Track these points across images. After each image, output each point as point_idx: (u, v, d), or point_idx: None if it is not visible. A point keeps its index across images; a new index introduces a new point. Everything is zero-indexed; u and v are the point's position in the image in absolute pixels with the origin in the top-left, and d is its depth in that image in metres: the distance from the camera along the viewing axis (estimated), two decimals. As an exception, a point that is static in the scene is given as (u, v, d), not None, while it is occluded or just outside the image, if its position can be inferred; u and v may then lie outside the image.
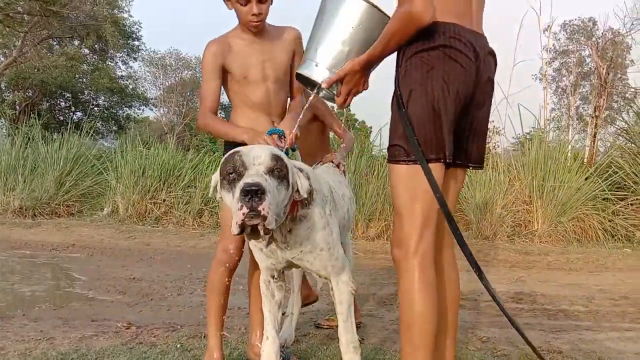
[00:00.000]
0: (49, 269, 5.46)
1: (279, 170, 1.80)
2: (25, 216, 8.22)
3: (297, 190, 1.90)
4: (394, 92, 1.81)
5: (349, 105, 2.02)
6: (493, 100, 1.98)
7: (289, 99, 2.57)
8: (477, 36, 1.81)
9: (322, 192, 2.19)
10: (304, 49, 2.20)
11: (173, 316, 3.56)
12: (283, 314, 2.93)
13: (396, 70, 1.82)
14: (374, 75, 2.04)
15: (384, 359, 2.68)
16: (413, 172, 1.74)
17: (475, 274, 1.80)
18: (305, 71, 2.01)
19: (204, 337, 2.83)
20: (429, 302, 1.73)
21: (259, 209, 1.65)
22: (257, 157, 1.79)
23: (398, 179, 1.79)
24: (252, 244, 2.14)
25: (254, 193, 1.65)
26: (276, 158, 1.82)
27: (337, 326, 2.28)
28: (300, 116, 2.30)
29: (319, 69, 1.96)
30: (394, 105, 1.82)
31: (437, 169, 1.75)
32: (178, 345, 2.83)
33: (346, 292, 2.24)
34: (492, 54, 1.88)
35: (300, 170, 1.95)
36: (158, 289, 4.44)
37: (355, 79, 1.89)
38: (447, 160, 1.76)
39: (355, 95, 1.98)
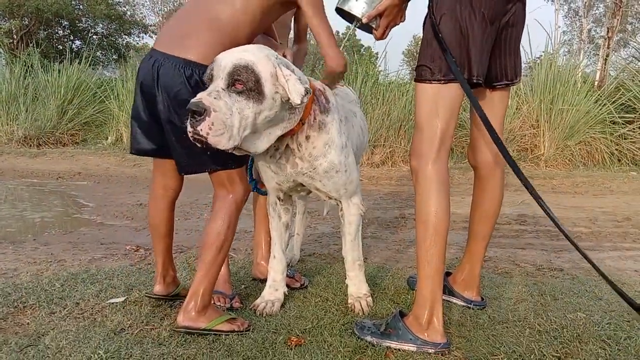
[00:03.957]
0: (56, 196, 5.52)
1: (242, 83, 1.70)
2: (30, 145, 8.24)
3: (288, 99, 1.78)
4: (426, 17, 1.92)
5: (386, 37, 2.12)
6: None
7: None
8: None
9: (340, 111, 2.13)
10: None
11: (180, 239, 3.62)
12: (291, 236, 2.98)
13: None
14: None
15: (387, 276, 2.73)
16: (436, 90, 1.87)
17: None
18: (345, 6, 2.06)
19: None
20: (444, 204, 1.87)
21: (197, 129, 1.63)
22: (223, 69, 1.71)
23: (422, 97, 1.91)
24: (260, 162, 2.08)
25: (193, 113, 1.63)
26: (240, 69, 1.70)
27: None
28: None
29: (359, 4, 2.03)
30: (426, 29, 1.92)
31: (458, 88, 1.87)
32: (185, 265, 2.90)
33: (356, 214, 2.26)
34: None
35: (292, 73, 1.80)
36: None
37: (394, 12, 2.00)
38: (475, 81, 1.87)
39: (393, 28, 2.10)
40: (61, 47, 20.43)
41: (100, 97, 8.93)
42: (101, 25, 23.15)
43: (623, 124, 7.31)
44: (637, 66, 8.30)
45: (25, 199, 5.34)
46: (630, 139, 7.21)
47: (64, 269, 2.81)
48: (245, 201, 2.06)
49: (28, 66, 9.30)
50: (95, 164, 7.31)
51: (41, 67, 9.16)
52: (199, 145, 1.69)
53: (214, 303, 2.23)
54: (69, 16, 20.93)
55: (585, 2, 24.01)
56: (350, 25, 2.17)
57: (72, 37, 22.07)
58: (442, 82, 1.86)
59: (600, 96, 7.24)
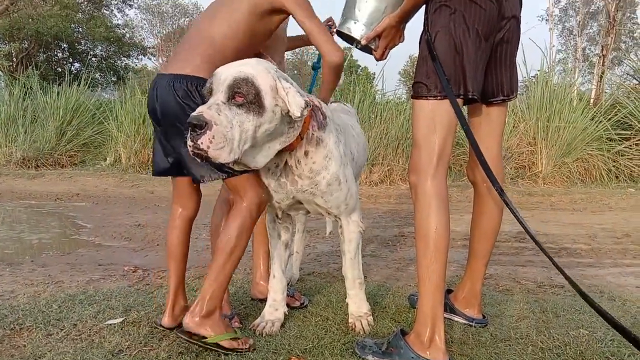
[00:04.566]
0: (54, 217, 5.50)
1: (242, 96, 1.70)
2: (29, 167, 8.24)
3: (288, 112, 1.78)
4: (422, 35, 1.95)
5: (386, 57, 2.19)
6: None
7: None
8: None
9: (337, 124, 2.14)
10: (345, 6, 2.21)
11: (179, 259, 3.60)
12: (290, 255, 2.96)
13: (425, 17, 1.95)
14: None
15: (387, 294, 2.71)
16: (433, 107, 1.88)
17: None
18: (344, 28, 2.14)
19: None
20: (443, 220, 1.87)
21: (197, 142, 1.63)
22: (222, 82, 1.71)
23: (419, 113, 1.92)
24: (262, 177, 2.07)
25: (193, 126, 1.62)
26: (240, 82, 1.70)
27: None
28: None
29: (358, 26, 2.11)
30: (422, 46, 1.95)
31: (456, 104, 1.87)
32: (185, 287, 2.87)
33: (356, 231, 2.25)
34: None
35: (291, 86, 1.80)
36: (163, 234, 4.47)
37: (392, 33, 2.07)
38: (471, 96, 1.89)
39: (392, 48, 2.16)
40: (60, 70, 20.61)
41: (99, 118, 8.96)
42: (100, 47, 23.39)
43: (620, 140, 7.35)
44: (632, 83, 8.38)
45: (23, 220, 5.31)
46: (627, 155, 7.24)
47: (62, 291, 2.79)
48: (260, 213, 2.05)
49: (27, 88, 9.35)
50: (94, 185, 7.31)
51: (40, 89, 9.21)
52: (199, 159, 1.69)
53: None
54: (69, 39, 21.15)
55: (579, 22, 24.34)
56: (349, 47, 2.22)
57: (71, 60, 22.26)
58: (439, 98, 1.88)
59: (596, 113, 7.29)
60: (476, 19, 1.85)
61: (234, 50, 2.00)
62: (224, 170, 1.94)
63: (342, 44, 2.31)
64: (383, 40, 2.11)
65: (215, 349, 1.90)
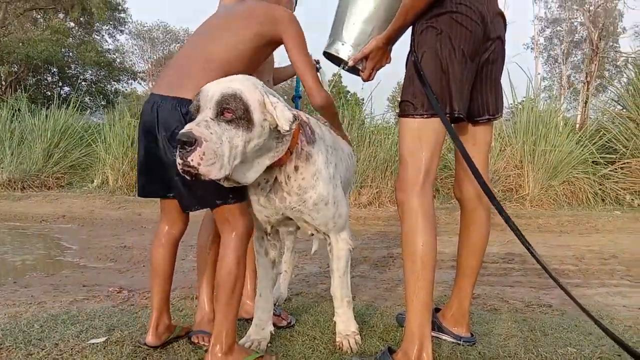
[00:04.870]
0: (39, 239, 5.42)
1: (231, 112, 1.69)
2: (14, 188, 8.15)
3: (276, 127, 1.77)
4: (409, 55, 1.99)
5: (373, 79, 2.21)
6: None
7: None
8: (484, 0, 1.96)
9: (326, 142, 2.15)
10: (332, 27, 2.24)
11: (165, 281, 3.55)
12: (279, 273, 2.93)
13: (411, 37, 1.99)
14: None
15: (375, 313, 2.69)
16: (419, 125, 1.91)
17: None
18: (332, 49, 2.16)
19: (195, 298, 2.82)
20: (430, 237, 1.88)
21: (187, 159, 1.61)
22: (210, 99, 1.70)
23: (405, 131, 1.95)
24: (250, 193, 2.05)
25: (183, 144, 1.60)
26: (228, 98, 1.70)
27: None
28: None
29: (345, 48, 2.13)
30: (408, 66, 1.99)
31: (441, 123, 1.91)
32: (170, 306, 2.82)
33: (345, 249, 2.23)
34: (501, 14, 2.05)
35: (278, 100, 1.80)
36: (149, 256, 4.41)
37: (379, 54, 2.09)
38: (457, 115, 1.92)
39: (379, 69, 2.18)
40: (50, 93, 20.61)
41: (87, 140, 8.92)
42: (90, 71, 23.43)
43: (605, 164, 7.44)
44: (616, 109, 8.53)
45: (7, 242, 5.22)
46: (613, 179, 7.32)
47: (44, 311, 2.73)
48: (249, 235, 2.03)
49: (15, 110, 9.31)
50: (80, 206, 7.23)
51: (28, 112, 9.17)
52: (188, 177, 1.67)
53: (198, 343, 2.18)
54: (59, 63, 21.16)
55: (564, 50, 24.88)
56: (336, 69, 2.24)
57: (60, 84, 22.25)
58: (425, 116, 1.90)
59: (582, 137, 7.40)
60: (462, 39, 1.89)
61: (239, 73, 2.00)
62: (223, 197, 1.93)
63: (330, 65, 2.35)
64: (370, 61, 2.13)
65: None
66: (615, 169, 7.36)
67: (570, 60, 25.54)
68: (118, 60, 24.42)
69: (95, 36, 23.72)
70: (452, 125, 2.15)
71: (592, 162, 7.43)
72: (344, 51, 2.15)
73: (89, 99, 21.66)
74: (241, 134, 1.70)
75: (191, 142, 1.60)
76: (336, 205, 2.08)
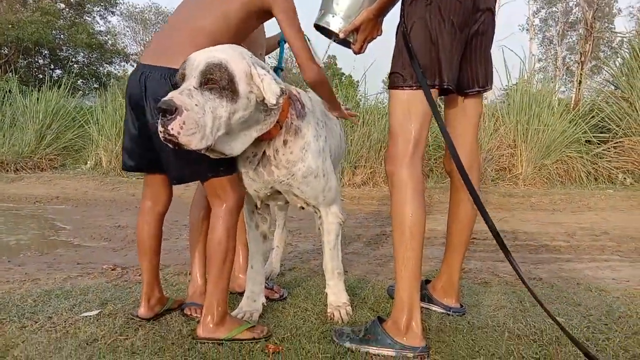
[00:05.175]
0: (33, 220, 5.42)
1: (214, 82, 1.68)
2: (7, 170, 8.11)
3: (263, 100, 1.76)
4: (399, 26, 1.98)
5: (364, 51, 2.18)
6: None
7: None
8: None
9: (316, 116, 2.14)
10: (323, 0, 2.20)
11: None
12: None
13: (401, 8, 1.98)
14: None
15: (367, 286, 2.72)
16: (408, 96, 1.91)
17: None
18: (322, 22, 2.13)
19: (189, 273, 2.84)
20: (419, 207, 1.89)
21: (167, 128, 1.60)
22: (195, 68, 1.69)
23: (395, 103, 1.95)
24: (239, 167, 2.05)
25: (163, 112, 1.59)
26: (212, 67, 1.68)
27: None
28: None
29: (335, 20, 2.10)
30: (398, 37, 1.98)
31: (432, 94, 1.91)
32: (163, 281, 2.84)
33: (335, 222, 2.25)
34: None
35: (267, 73, 1.79)
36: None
37: (370, 26, 2.07)
38: (446, 86, 1.92)
39: (370, 42, 2.16)
40: (41, 76, 20.38)
41: (80, 122, 8.86)
42: (82, 54, 23.14)
43: (598, 143, 7.47)
44: (610, 89, 8.53)
45: (0, 222, 5.22)
46: (606, 158, 7.35)
47: (38, 287, 2.75)
48: (240, 208, 2.04)
49: (5, 92, 9.22)
50: (74, 188, 7.21)
51: (20, 93, 9.08)
52: (170, 145, 1.66)
53: (191, 315, 2.20)
54: (50, 45, 20.87)
55: (559, 31, 24.75)
56: (330, 51, 2.22)
57: (52, 66, 22.00)
58: (414, 88, 1.91)
59: (575, 117, 7.40)
60: (451, 10, 1.89)
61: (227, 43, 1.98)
62: (213, 170, 1.92)
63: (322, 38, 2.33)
64: (361, 33, 2.11)
65: (236, 340, 1.92)
66: (609, 148, 7.38)
67: (565, 42, 25.42)
68: (110, 42, 24.11)
69: (87, 18, 23.39)
70: (443, 97, 2.16)
71: (586, 141, 7.45)
72: (335, 23, 2.12)
73: (82, 81, 21.43)
74: (225, 104, 1.69)
75: (171, 111, 1.59)
76: (326, 178, 2.09)
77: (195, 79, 1.68)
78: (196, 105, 1.63)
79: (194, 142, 1.63)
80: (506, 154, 7.20)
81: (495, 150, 7.19)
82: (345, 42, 2.20)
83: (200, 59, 1.71)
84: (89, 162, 8.24)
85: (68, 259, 3.64)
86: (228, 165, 1.96)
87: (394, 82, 1.96)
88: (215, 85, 1.68)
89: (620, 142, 7.33)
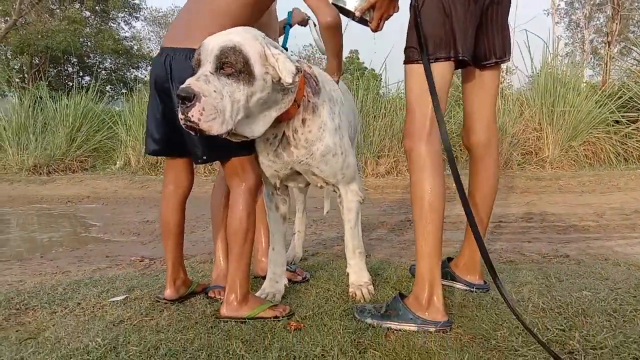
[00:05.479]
0: (65, 219, 5.57)
1: (231, 66, 1.69)
2: (40, 173, 8.34)
3: (279, 80, 1.77)
4: (411, 1, 1.96)
5: (382, 29, 2.14)
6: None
7: None
8: None
9: (330, 93, 2.14)
10: None
11: (186, 249, 3.58)
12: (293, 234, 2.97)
13: None
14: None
15: (389, 267, 2.71)
16: (424, 70, 1.87)
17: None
18: (340, 1, 2.11)
19: (212, 261, 2.88)
20: (438, 182, 1.88)
21: (188, 115, 1.62)
22: (210, 53, 1.70)
23: (411, 77, 1.94)
24: (258, 149, 2.07)
25: (182, 99, 1.61)
26: (227, 51, 1.69)
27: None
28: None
29: None
30: (411, 12, 1.96)
31: (446, 67, 1.91)
32: (189, 269, 2.89)
33: (355, 200, 2.25)
34: None
35: (280, 52, 1.80)
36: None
37: (385, 3, 2.02)
38: (461, 58, 1.89)
39: (387, 19, 2.12)
40: (71, 84, 20.86)
41: (108, 123, 9.06)
42: (109, 60, 23.62)
43: (627, 123, 7.27)
44: (638, 68, 8.29)
45: (34, 222, 5.38)
46: (636, 137, 7.15)
47: (68, 278, 2.83)
48: (258, 189, 2.07)
49: (37, 97, 9.48)
50: (104, 187, 7.38)
51: (50, 98, 9.34)
52: (192, 132, 1.69)
53: (215, 297, 2.24)
54: (77, 52, 21.34)
55: (586, 14, 24.11)
56: (353, 46, 2.21)
57: (81, 73, 22.49)
58: (430, 61, 1.88)
59: (602, 97, 7.22)
60: None
61: (245, 22, 1.98)
62: (234, 150, 1.95)
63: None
64: (377, 11, 2.08)
65: (259, 318, 1.94)
66: (638, 127, 7.17)
67: (592, 24, 24.76)
68: (135, 47, 24.53)
69: (112, 24, 23.84)
70: (460, 70, 2.14)
71: (615, 121, 7.26)
72: (351, 2, 2.10)
73: (110, 87, 21.86)
74: (242, 87, 1.70)
75: (190, 98, 1.61)
76: (344, 155, 2.10)
77: (210, 64, 1.69)
78: (214, 91, 1.65)
79: (215, 127, 1.65)
80: (532, 137, 7.07)
81: (520, 134, 7.07)
82: (363, 21, 2.19)
83: (214, 43, 1.72)
84: (118, 163, 8.42)
85: (98, 252, 3.73)
86: (248, 145, 1.99)
87: (409, 56, 1.94)
88: (231, 69, 1.69)
89: (650, 121, 7.13)
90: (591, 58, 22.48)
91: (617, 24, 10.12)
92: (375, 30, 2.15)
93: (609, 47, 9.45)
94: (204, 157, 2.00)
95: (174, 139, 2.04)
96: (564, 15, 26.05)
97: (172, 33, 2.05)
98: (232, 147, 1.93)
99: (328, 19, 2.06)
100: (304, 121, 2.00)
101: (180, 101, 1.63)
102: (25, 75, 19.30)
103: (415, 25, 1.90)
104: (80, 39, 21.68)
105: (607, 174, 6.50)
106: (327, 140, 2.04)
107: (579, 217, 4.36)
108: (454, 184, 1.81)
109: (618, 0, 10.55)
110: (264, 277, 2.47)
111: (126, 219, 5.20)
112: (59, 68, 22.00)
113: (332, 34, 2.15)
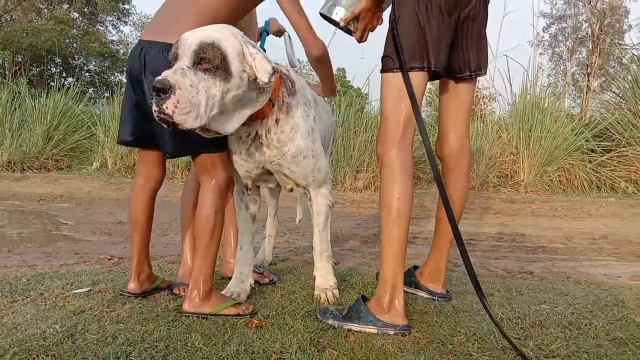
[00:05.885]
0: (36, 215, 5.48)
1: (208, 61, 1.71)
2: (14, 170, 8.22)
3: (256, 79, 1.79)
4: (390, 12, 2.02)
5: (366, 40, 2.21)
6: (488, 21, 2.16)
7: None
8: None
9: (305, 96, 2.18)
10: None
11: (157, 251, 3.60)
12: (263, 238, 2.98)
13: None
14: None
15: (356, 274, 2.74)
16: (399, 79, 1.94)
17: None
18: (325, 10, 2.17)
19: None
20: (406, 189, 1.92)
21: (162, 107, 1.62)
22: (188, 47, 1.71)
23: (387, 86, 1.99)
24: (232, 148, 2.08)
25: (157, 91, 1.61)
26: (205, 46, 1.71)
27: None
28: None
29: (338, 9, 2.14)
30: (390, 22, 2.01)
31: (420, 77, 1.97)
32: (157, 268, 2.87)
33: (324, 204, 2.28)
34: None
35: (258, 51, 1.82)
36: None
37: (369, 15, 2.08)
38: (434, 69, 1.97)
39: (371, 31, 2.19)
40: (53, 84, 20.65)
41: (87, 123, 8.98)
42: (94, 62, 23.45)
43: (602, 152, 7.45)
44: (616, 100, 8.51)
45: (4, 218, 5.28)
46: (609, 167, 7.33)
47: (34, 271, 2.79)
48: (228, 187, 2.08)
49: (15, 93, 9.37)
50: (78, 187, 7.29)
51: (29, 95, 9.23)
52: (165, 125, 1.69)
53: (179, 294, 2.24)
54: (62, 53, 21.16)
55: (569, 47, 24.74)
56: (341, 65, 2.27)
57: (64, 74, 22.29)
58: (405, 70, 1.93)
59: (578, 125, 7.40)
60: None
61: (225, 21, 2.00)
62: (205, 146, 1.96)
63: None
64: (361, 22, 2.14)
65: (221, 315, 1.94)
66: (612, 157, 7.35)
67: (575, 57, 25.38)
68: (122, 51, 24.43)
69: (99, 27, 23.75)
70: (436, 82, 2.21)
71: (589, 150, 7.44)
72: (337, 12, 2.15)
73: (93, 89, 21.69)
74: (218, 83, 1.72)
75: (165, 90, 1.61)
76: (315, 158, 2.13)
77: (188, 58, 1.71)
78: (190, 85, 1.66)
79: (189, 121, 1.66)
80: (508, 161, 7.21)
81: (497, 157, 7.20)
82: (348, 31, 2.24)
83: (193, 38, 1.74)
84: (94, 164, 8.34)
85: (67, 250, 3.69)
86: (220, 142, 2.00)
87: (385, 64, 2.00)
88: (208, 65, 1.71)
89: (623, 151, 7.30)
90: (572, 90, 23.02)
91: (596, 56, 10.42)
92: (359, 40, 2.22)
93: (588, 78, 9.71)
94: (174, 151, 2.01)
95: (145, 131, 2.05)
96: (548, 47, 26.69)
97: (151, 26, 2.07)
98: (203, 143, 1.95)
99: (316, 52, 2.14)
100: (277, 121, 2.02)
101: (155, 93, 1.63)
102: (7, 72, 19.05)
103: (393, 36, 1.96)
104: (66, 40, 21.52)
105: (579, 200, 6.63)
106: (299, 142, 2.07)
107: (549, 239, 4.44)
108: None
109: (598, 35, 10.87)
110: (230, 278, 2.48)
111: (99, 219, 5.15)
112: (42, 67, 21.77)
113: (323, 65, 2.24)
